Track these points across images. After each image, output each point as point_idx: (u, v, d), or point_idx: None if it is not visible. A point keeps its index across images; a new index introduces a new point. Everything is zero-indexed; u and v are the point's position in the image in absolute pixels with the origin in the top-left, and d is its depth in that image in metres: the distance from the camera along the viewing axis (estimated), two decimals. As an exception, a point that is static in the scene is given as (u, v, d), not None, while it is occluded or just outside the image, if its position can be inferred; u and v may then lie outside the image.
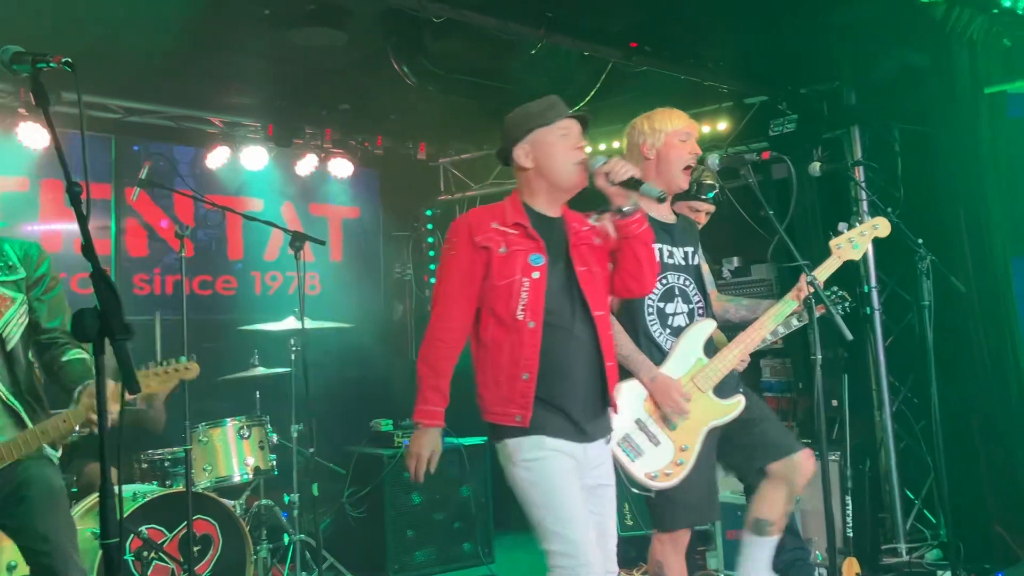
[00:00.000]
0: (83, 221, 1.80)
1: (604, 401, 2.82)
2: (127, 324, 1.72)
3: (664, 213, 3.34)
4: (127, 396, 1.72)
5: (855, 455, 5.21)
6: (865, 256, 5.46)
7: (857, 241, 3.43)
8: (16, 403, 2.75)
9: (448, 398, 2.77)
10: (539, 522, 2.65)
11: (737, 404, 3.24)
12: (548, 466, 2.65)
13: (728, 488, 4.77)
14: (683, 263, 3.31)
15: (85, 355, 2.84)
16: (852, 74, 5.52)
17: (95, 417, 2.40)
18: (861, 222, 3.54)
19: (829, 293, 4.07)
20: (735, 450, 3.55)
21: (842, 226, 3.43)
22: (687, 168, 3.31)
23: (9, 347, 2.75)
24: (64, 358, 2.84)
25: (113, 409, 2.47)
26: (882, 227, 3.51)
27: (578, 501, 2.66)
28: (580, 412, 2.72)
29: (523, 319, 2.68)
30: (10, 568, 4.09)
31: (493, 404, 2.70)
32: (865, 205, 5.37)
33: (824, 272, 3.41)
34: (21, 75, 1.92)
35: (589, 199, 2.97)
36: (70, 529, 2.79)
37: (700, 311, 3.33)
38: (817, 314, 3.60)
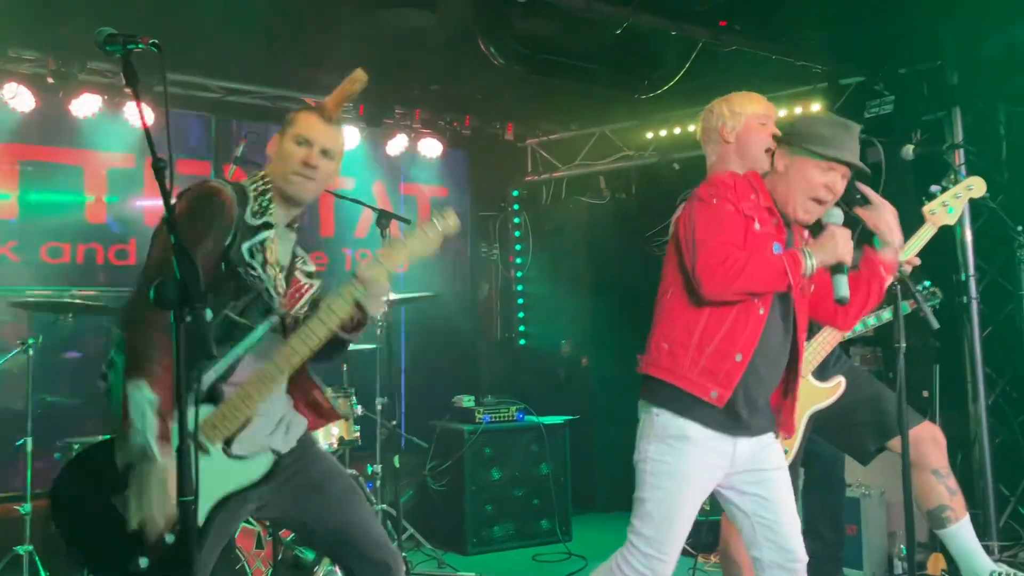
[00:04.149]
0: (166, 195, 1.90)
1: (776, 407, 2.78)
2: (204, 293, 1.81)
3: None
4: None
5: (947, 448, 5.03)
6: (963, 243, 5.28)
7: (952, 204, 3.31)
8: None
9: None
10: (644, 500, 2.63)
11: (837, 387, 3.21)
12: (687, 458, 2.59)
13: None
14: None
15: None
16: (955, 53, 5.29)
17: (367, 298, 2.39)
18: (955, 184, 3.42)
19: (921, 287, 3.96)
20: (848, 432, 3.50)
21: (935, 188, 3.32)
22: (768, 151, 3.25)
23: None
24: None
25: (383, 276, 2.41)
26: (976, 187, 3.37)
27: (694, 502, 2.62)
28: (754, 408, 2.64)
29: (756, 303, 2.59)
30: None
31: (688, 369, 2.60)
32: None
33: (918, 242, 3.30)
34: (115, 56, 2.02)
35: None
36: (375, 517, 2.71)
37: None
38: (908, 308, 3.51)
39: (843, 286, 2.59)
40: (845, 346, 5.61)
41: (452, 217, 2.48)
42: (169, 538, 2.17)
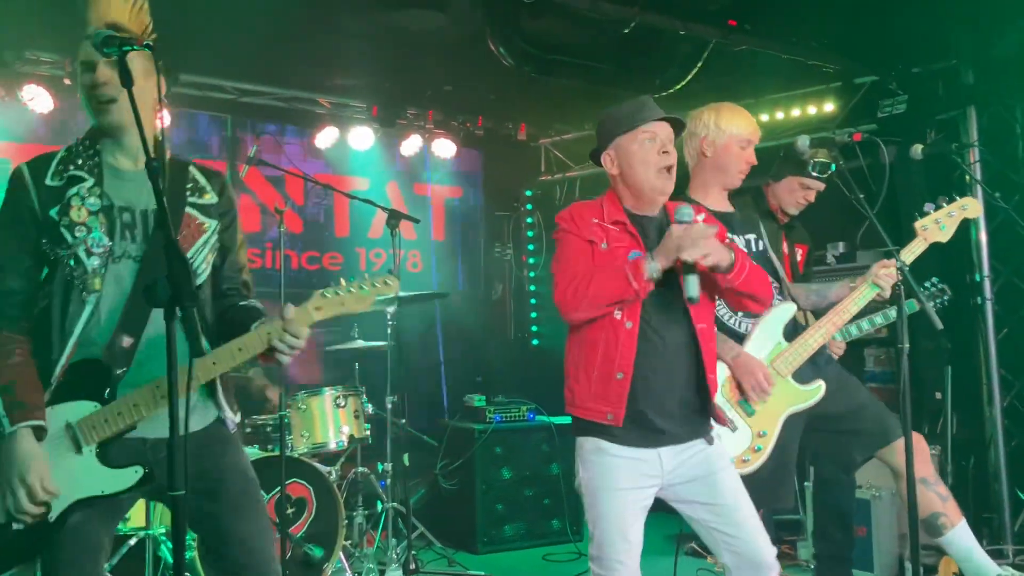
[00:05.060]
0: (159, 194, 1.92)
1: (700, 409, 2.68)
2: (194, 292, 1.84)
3: (722, 204, 3.30)
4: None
5: (960, 451, 5.00)
6: (978, 243, 5.23)
7: (944, 222, 3.30)
8: (207, 347, 2.34)
9: None
10: (587, 522, 2.67)
11: (817, 390, 3.19)
12: (607, 470, 2.60)
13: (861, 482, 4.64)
14: (745, 250, 3.26)
15: (260, 306, 2.49)
16: (970, 52, 5.24)
17: (281, 344, 2.23)
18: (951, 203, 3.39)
19: (929, 284, 3.93)
20: (834, 438, 3.50)
21: (928, 207, 3.31)
22: (740, 173, 3.27)
23: (199, 281, 2.35)
24: (242, 303, 2.47)
25: (301, 334, 2.25)
26: (971, 208, 3.35)
27: (625, 514, 2.60)
28: (663, 418, 2.60)
29: (620, 319, 2.60)
30: (124, 520, 4.39)
31: (584, 400, 2.64)
32: (979, 190, 5.12)
33: (909, 255, 3.29)
34: (112, 57, 2.05)
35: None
36: (268, 531, 2.46)
37: (776, 290, 3.29)
38: (916, 307, 3.50)
39: (691, 286, 2.54)
40: (859, 346, 5.61)
41: (393, 282, 2.38)
42: (17, 525, 2.12)
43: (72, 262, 2.21)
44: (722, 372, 3.10)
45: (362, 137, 6.47)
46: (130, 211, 2.28)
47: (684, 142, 3.32)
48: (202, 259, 2.36)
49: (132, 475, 2.21)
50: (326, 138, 6.45)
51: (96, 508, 2.20)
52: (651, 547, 2.67)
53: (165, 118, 3.74)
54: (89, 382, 2.20)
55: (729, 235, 3.18)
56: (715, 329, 2.84)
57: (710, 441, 2.70)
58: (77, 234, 2.21)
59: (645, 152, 2.67)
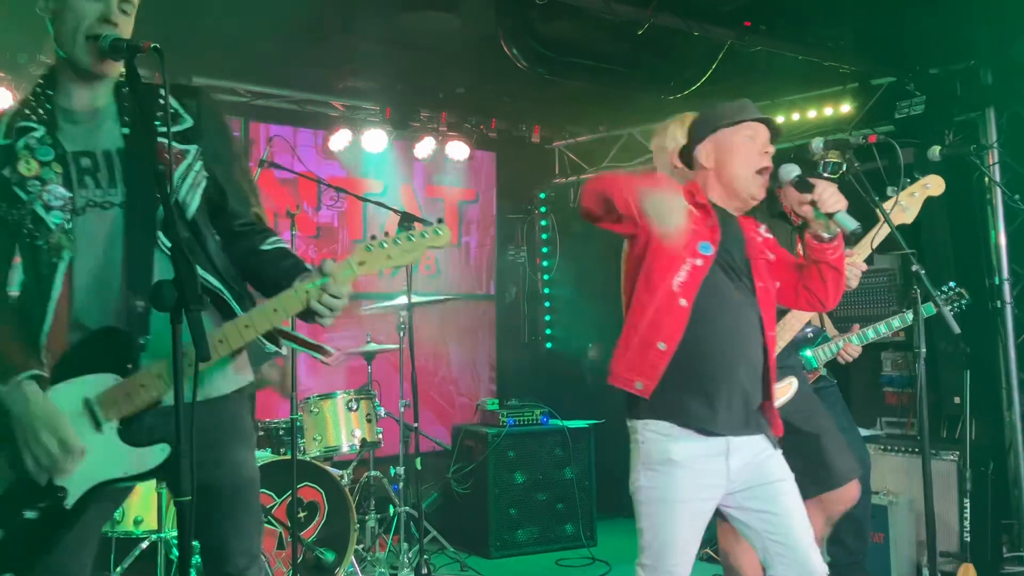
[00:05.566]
0: (165, 198, 1.91)
1: (758, 407, 2.64)
2: (201, 295, 1.82)
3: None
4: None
5: (979, 456, 4.93)
6: (997, 246, 5.17)
7: (907, 203, 3.25)
8: (218, 284, 2.15)
9: None
10: (642, 531, 2.58)
11: (788, 387, 3.17)
12: (676, 481, 2.52)
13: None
14: None
15: (286, 244, 2.27)
16: (989, 52, 5.18)
17: (320, 306, 2.05)
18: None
19: (946, 288, 3.88)
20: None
21: (891, 190, 3.27)
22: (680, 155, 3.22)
23: (189, 214, 2.14)
24: (264, 246, 2.23)
25: (342, 292, 2.06)
26: (935, 186, 3.29)
27: (691, 526, 2.54)
28: (724, 401, 2.53)
29: (677, 293, 2.55)
30: (137, 522, 4.39)
31: (619, 367, 2.61)
32: (999, 192, 5.06)
33: (875, 240, 3.25)
34: (119, 60, 2.04)
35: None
36: (256, 533, 2.28)
37: None
38: (934, 309, 3.45)
39: (847, 220, 2.51)
40: (876, 350, 5.55)
41: (444, 231, 2.12)
42: (29, 514, 1.96)
43: (30, 222, 2.01)
44: None
45: (376, 139, 6.46)
46: (88, 155, 2.07)
47: (653, 158, 3.29)
48: (187, 188, 2.13)
49: (159, 453, 2.01)
50: (339, 140, 6.44)
51: (112, 492, 2.04)
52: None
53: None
54: (110, 352, 2.01)
55: None
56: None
57: (776, 444, 2.65)
58: (30, 189, 2.00)
59: (747, 148, 2.67)
